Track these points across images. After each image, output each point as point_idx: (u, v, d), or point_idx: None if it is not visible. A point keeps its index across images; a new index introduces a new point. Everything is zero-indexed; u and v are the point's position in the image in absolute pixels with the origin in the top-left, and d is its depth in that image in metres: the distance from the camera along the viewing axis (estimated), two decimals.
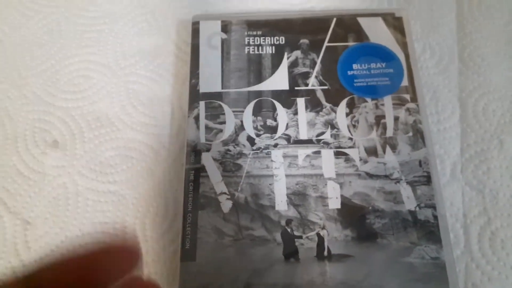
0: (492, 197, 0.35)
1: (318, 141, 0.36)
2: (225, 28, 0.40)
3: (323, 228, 0.32)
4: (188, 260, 0.31)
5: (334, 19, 0.40)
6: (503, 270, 0.33)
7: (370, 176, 0.34)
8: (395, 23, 0.40)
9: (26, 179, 0.37)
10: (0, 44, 0.43)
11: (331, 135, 0.36)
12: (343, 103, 0.37)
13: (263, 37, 0.40)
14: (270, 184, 0.34)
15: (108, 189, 0.36)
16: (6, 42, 0.43)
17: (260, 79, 0.38)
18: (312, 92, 0.37)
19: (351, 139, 0.36)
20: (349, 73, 0.38)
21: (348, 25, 0.40)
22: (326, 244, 0.32)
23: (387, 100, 0.37)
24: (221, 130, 0.36)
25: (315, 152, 0.35)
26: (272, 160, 0.35)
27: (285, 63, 0.39)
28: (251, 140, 0.36)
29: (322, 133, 0.36)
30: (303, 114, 0.37)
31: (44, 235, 0.35)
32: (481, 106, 0.39)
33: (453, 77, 0.40)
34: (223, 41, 0.40)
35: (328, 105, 0.37)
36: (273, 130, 0.36)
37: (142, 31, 0.43)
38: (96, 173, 0.37)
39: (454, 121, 0.38)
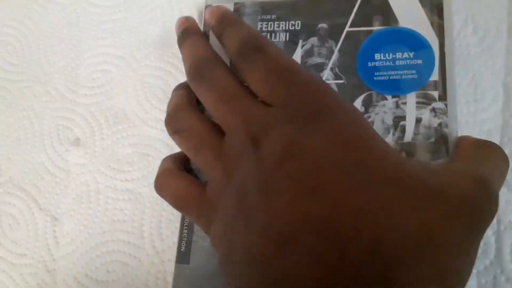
0: None
1: None
2: (237, 11, 0.37)
3: None
4: (182, 262, 0.32)
5: None
6: None
7: None
8: (433, 2, 0.34)
9: (53, 176, 0.39)
10: (25, 39, 0.44)
11: None
12: (359, 101, 0.33)
13: (277, 22, 0.37)
14: None
15: (126, 187, 0.37)
16: (30, 37, 0.44)
17: None
18: None
19: None
20: (370, 64, 0.34)
21: (375, 5, 0.35)
22: None
23: (411, 98, 0.32)
24: None
25: None
26: None
27: (298, 53, 0.35)
28: None
29: None
30: None
31: (70, 231, 0.37)
32: None
33: (498, 56, 0.34)
34: None
35: None
36: None
37: (156, 18, 0.42)
38: (115, 171, 0.38)
39: (496, 111, 0.33)
